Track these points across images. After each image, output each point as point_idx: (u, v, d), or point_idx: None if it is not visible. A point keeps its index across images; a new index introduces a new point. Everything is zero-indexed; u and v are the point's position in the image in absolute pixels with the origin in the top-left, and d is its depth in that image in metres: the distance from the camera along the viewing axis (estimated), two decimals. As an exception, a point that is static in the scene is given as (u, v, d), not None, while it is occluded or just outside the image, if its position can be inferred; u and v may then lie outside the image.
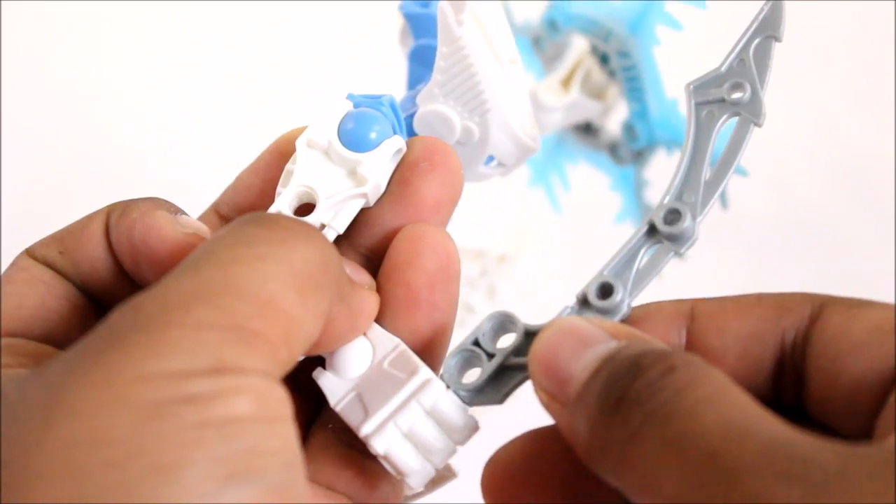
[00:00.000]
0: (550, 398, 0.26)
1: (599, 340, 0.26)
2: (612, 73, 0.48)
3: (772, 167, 0.61)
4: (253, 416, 0.22)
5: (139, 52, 0.82)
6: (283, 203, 0.31)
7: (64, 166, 0.76)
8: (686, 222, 0.29)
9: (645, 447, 0.23)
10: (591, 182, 0.56)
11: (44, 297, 0.29)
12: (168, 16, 0.82)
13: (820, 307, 0.27)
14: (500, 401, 0.29)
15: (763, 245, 0.66)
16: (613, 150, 0.51)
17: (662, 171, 0.51)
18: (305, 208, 0.31)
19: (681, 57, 0.45)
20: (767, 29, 0.30)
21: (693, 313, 0.28)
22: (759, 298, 0.28)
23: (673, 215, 0.29)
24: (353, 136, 0.32)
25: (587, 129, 0.53)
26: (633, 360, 0.24)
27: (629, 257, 0.29)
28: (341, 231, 0.31)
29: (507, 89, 0.35)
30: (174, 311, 0.23)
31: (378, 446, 0.28)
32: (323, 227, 0.31)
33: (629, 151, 0.50)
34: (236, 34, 0.83)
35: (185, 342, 0.22)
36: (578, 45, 0.50)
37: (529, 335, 0.29)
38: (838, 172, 0.74)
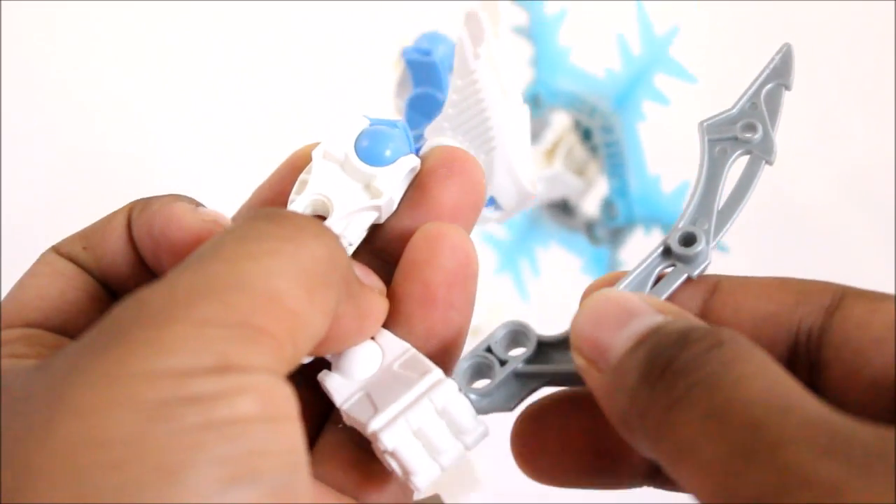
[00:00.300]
0: (589, 364, 0.26)
1: (645, 313, 0.26)
2: (593, 149, 0.50)
3: (772, 167, 0.63)
4: (257, 416, 0.22)
5: (146, 61, 0.82)
6: (297, 210, 0.31)
7: (66, 173, 0.75)
8: (701, 246, 0.29)
9: (687, 415, 0.23)
10: (562, 265, 0.57)
11: (64, 290, 0.29)
12: (176, 24, 0.83)
13: (840, 298, 0.27)
14: (511, 408, 0.29)
15: (763, 245, 0.66)
16: (590, 229, 0.52)
17: (638, 253, 0.52)
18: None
19: (664, 131, 0.46)
20: (778, 77, 0.31)
21: (717, 287, 0.29)
22: (783, 283, 0.28)
23: (689, 238, 0.30)
24: (370, 151, 0.32)
25: (564, 208, 0.54)
26: (682, 334, 0.25)
27: (644, 276, 0.30)
28: (355, 242, 0.31)
29: (514, 129, 0.36)
30: (179, 307, 0.22)
31: (387, 442, 0.27)
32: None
33: (606, 230, 0.51)
34: (246, 42, 0.84)
35: (189, 339, 0.22)
36: (561, 120, 0.51)
37: (542, 345, 0.29)
38: (838, 173, 0.74)
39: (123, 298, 0.23)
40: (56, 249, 0.30)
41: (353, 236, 0.31)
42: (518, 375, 0.29)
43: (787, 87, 0.31)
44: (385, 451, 0.27)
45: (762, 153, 0.30)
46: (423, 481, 0.28)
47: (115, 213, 0.30)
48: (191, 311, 0.22)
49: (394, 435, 0.27)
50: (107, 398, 0.21)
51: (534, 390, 0.29)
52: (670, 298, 0.29)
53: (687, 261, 0.30)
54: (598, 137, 0.48)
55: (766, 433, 0.21)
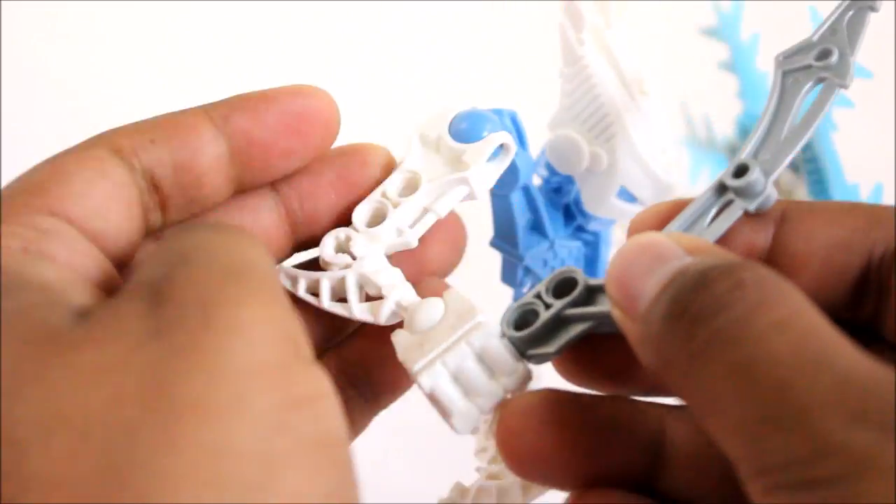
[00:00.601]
0: (623, 313, 0.25)
1: (675, 256, 0.24)
2: (795, 169, 0.47)
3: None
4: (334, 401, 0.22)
5: (155, 71, 0.80)
6: (386, 185, 0.33)
7: None
8: (754, 175, 0.28)
9: (711, 369, 0.22)
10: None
11: (109, 190, 0.27)
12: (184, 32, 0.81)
13: None
14: (556, 352, 0.28)
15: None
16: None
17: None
18: (377, 220, 0.33)
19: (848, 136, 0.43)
20: None
21: (784, 216, 0.27)
22: (853, 207, 0.27)
23: (741, 169, 0.28)
24: (463, 131, 0.33)
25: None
26: (702, 273, 0.23)
27: (697, 215, 0.28)
28: (442, 214, 0.32)
29: (635, 115, 0.36)
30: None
31: (424, 383, 0.28)
32: (425, 210, 0.33)
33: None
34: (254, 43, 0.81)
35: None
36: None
37: (591, 289, 0.28)
38: None
39: (204, 271, 0.22)
40: (111, 144, 0.27)
41: (441, 208, 0.33)
42: (563, 319, 0.28)
43: (874, 9, 0.29)
44: (425, 393, 0.28)
45: (837, 77, 0.28)
46: (460, 423, 0.28)
47: (182, 112, 0.29)
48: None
49: (431, 376, 0.28)
50: (223, 401, 0.20)
51: (579, 335, 0.28)
52: (728, 236, 0.28)
53: (742, 193, 0.28)
54: (798, 158, 0.46)
55: (795, 396, 0.20)
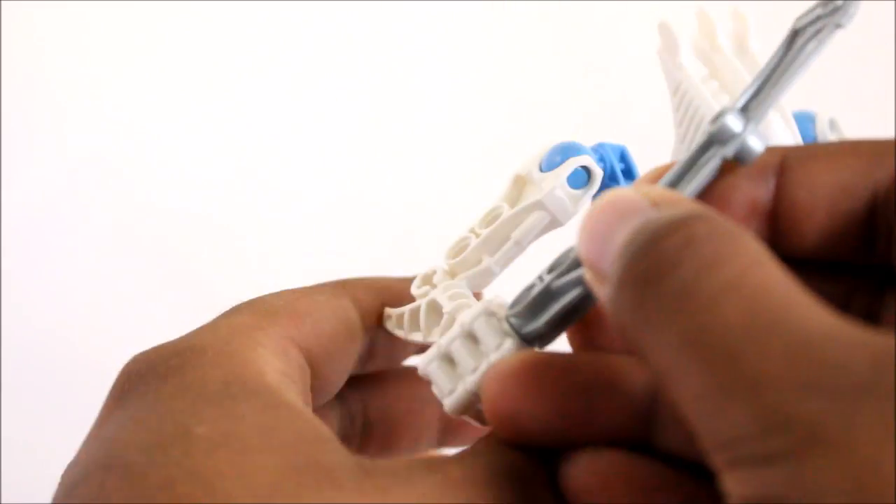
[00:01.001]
0: (593, 276, 0.23)
1: (638, 210, 0.22)
2: None
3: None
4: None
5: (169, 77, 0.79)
6: (478, 220, 0.34)
7: (66, 177, 0.73)
8: (726, 118, 0.25)
9: (664, 338, 0.20)
10: None
11: (337, 331, 0.31)
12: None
13: None
14: (544, 326, 0.27)
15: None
16: None
17: None
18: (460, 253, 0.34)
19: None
20: None
21: (784, 164, 0.25)
22: (855, 146, 0.24)
23: (717, 115, 0.26)
24: (550, 162, 0.33)
25: None
26: (655, 228, 0.21)
27: (683, 171, 0.26)
28: (523, 243, 0.32)
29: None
30: None
31: (420, 367, 0.29)
32: (506, 238, 0.33)
33: None
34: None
35: None
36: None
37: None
38: None
39: None
40: (350, 292, 0.32)
41: (520, 236, 0.32)
42: (552, 292, 0.27)
43: None
44: (425, 378, 0.29)
45: (835, 18, 0.26)
46: (451, 405, 0.28)
47: (404, 281, 0.34)
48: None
49: (425, 358, 0.28)
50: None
51: (567, 307, 0.27)
52: (728, 193, 0.26)
53: (718, 140, 0.25)
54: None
55: (745, 367, 0.19)
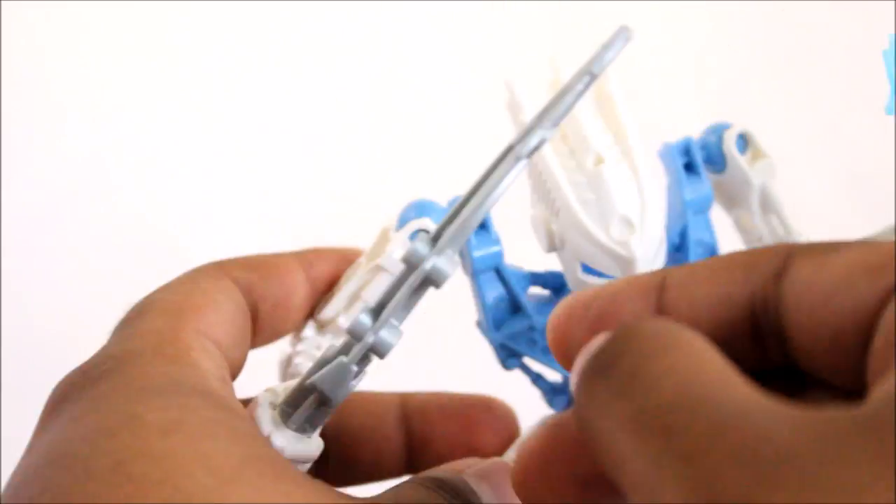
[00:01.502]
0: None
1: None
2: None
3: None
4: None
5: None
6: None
7: (66, 179, 0.74)
8: (417, 245, 0.26)
9: (608, 423, 0.21)
10: None
11: (234, 315, 0.31)
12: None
13: (786, 259, 0.23)
14: (301, 421, 0.28)
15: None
16: None
17: None
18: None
19: None
20: None
21: (665, 284, 0.26)
22: (729, 259, 0.25)
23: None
24: (403, 218, 0.35)
25: None
26: (609, 337, 0.23)
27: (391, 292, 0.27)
28: (370, 301, 0.33)
29: (580, 187, 0.34)
30: None
31: None
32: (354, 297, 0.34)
33: None
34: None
35: None
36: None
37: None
38: (838, 173, 0.74)
39: None
40: (226, 272, 0.32)
41: (368, 296, 0.33)
42: (307, 388, 0.28)
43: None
44: None
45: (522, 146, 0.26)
46: None
47: (280, 256, 0.34)
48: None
49: None
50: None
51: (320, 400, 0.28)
52: (614, 312, 0.26)
53: (411, 267, 0.26)
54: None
55: (677, 440, 0.20)
